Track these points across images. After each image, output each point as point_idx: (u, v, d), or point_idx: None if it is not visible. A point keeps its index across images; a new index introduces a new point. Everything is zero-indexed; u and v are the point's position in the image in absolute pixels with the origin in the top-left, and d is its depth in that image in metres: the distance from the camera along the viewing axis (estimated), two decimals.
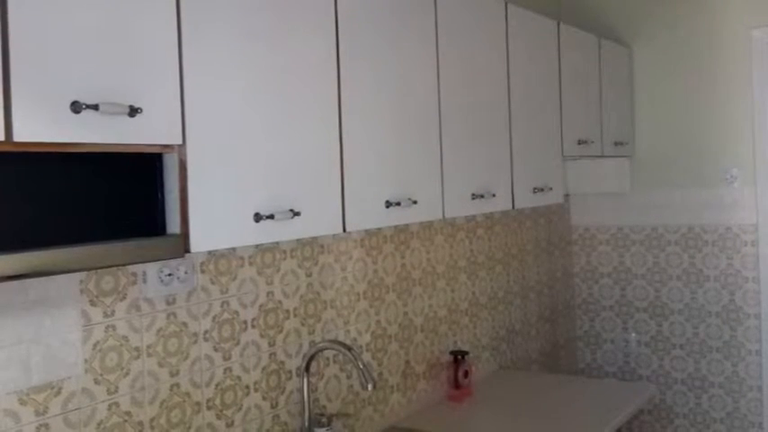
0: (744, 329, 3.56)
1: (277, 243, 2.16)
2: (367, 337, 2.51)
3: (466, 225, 3.08)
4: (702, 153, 3.65)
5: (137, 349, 1.79)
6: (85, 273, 1.67)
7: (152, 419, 1.82)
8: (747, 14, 3.50)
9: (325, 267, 2.34)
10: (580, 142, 3.12)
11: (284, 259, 2.18)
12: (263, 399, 2.10)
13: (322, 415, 2.16)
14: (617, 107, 3.59)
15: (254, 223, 1.59)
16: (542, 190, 2.79)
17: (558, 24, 2.98)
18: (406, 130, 2.07)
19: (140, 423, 1.79)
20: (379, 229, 2.57)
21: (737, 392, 3.57)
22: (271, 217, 1.62)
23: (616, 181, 3.83)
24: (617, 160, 3.82)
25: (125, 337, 1.76)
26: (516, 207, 2.63)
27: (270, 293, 2.14)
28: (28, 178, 1.23)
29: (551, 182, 2.87)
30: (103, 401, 1.71)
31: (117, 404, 1.74)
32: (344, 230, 1.85)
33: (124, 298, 1.76)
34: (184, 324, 1.90)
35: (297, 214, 1.68)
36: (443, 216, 2.24)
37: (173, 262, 1.85)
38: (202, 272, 1.94)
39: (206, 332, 1.95)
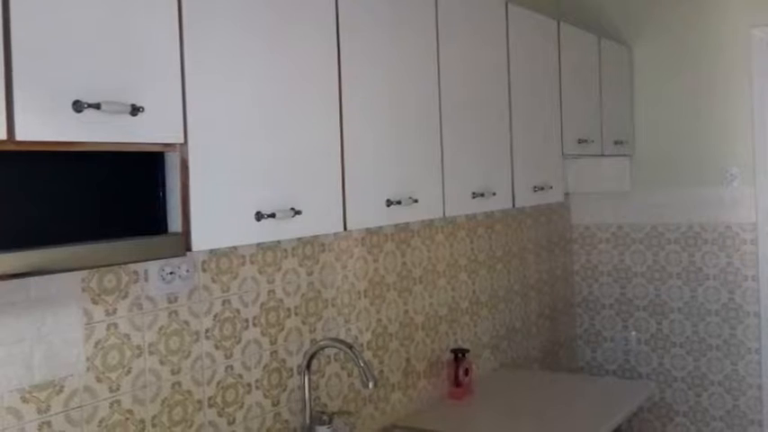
0: (743, 328, 3.56)
1: (278, 242, 2.16)
2: (368, 336, 2.51)
3: (466, 224, 3.09)
4: (702, 152, 3.65)
5: (138, 347, 1.79)
6: (87, 271, 1.68)
7: (154, 417, 1.82)
8: (747, 14, 3.50)
9: (326, 266, 2.34)
10: (580, 141, 3.13)
11: (285, 258, 2.19)
12: (265, 397, 2.11)
13: (323, 413, 2.17)
14: (617, 106, 3.60)
15: (255, 222, 1.59)
16: (542, 189, 2.79)
17: (559, 24, 2.99)
18: (407, 129, 2.08)
19: (142, 421, 1.79)
20: (380, 227, 2.58)
21: (737, 390, 3.58)
22: (272, 216, 1.62)
23: (616, 180, 3.84)
24: (617, 159, 3.82)
25: (127, 336, 1.77)
26: (517, 206, 2.64)
27: (271, 292, 2.14)
28: (30, 177, 1.24)
29: (551, 180, 2.88)
30: (105, 399, 1.72)
31: (119, 402, 1.74)
32: (345, 229, 1.85)
33: (126, 296, 1.77)
34: (186, 322, 1.90)
35: (298, 213, 1.68)
36: (444, 215, 2.24)
37: (174, 260, 1.85)
38: (204, 270, 1.95)
39: (207, 330, 1.96)
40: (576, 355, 4.02)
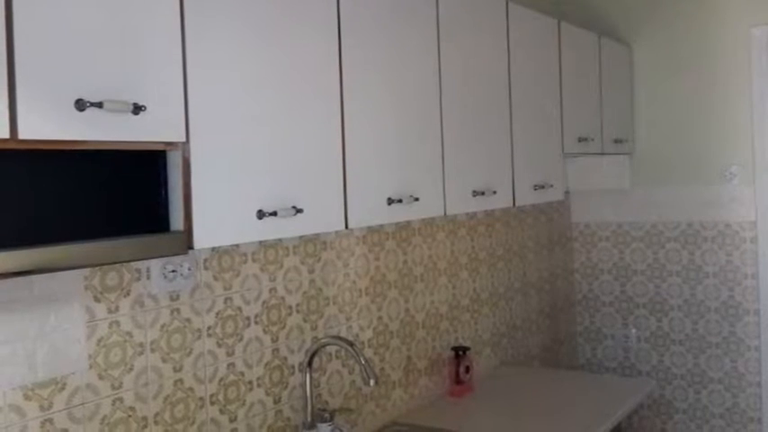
0: (743, 325, 3.57)
1: (280, 240, 2.17)
2: (369, 333, 2.52)
3: (467, 222, 3.09)
4: (702, 150, 3.66)
5: (140, 345, 1.80)
6: (90, 269, 1.68)
7: (156, 414, 1.83)
8: (747, 13, 3.51)
9: (328, 264, 2.35)
10: (580, 140, 3.13)
11: (287, 256, 2.20)
12: (266, 394, 2.12)
13: (324, 410, 2.17)
14: (617, 105, 3.60)
15: (257, 220, 1.60)
16: (543, 187, 2.80)
17: (559, 23, 2.99)
18: (408, 128, 2.08)
19: (144, 418, 1.80)
20: (381, 225, 2.58)
21: (737, 388, 3.59)
22: (274, 214, 1.62)
23: (616, 178, 3.85)
24: (617, 158, 3.83)
25: (129, 333, 1.77)
26: (517, 204, 2.64)
27: (273, 290, 2.15)
28: (32, 176, 1.24)
29: (552, 179, 2.88)
30: (107, 397, 1.72)
31: (121, 399, 1.75)
32: (347, 227, 1.85)
33: (128, 294, 1.77)
34: (188, 320, 1.91)
35: (299, 211, 1.69)
36: (445, 213, 2.25)
37: (176, 258, 1.86)
38: (206, 268, 1.95)
39: (209, 328, 1.96)
40: (576, 352, 4.03)
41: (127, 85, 1.33)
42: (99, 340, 1.71)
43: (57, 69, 1.23)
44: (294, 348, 2.21)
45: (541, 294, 3.69)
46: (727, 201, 3.59)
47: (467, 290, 3.08)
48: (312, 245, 2.29)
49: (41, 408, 1.59)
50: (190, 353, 1.91)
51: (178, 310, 1.88)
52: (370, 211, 1.93)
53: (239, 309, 2.05)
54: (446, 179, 2.24)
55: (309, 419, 2.13)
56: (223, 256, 2.00)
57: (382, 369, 2.59)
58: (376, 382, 2.05)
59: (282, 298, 2.18)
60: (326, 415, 2.15)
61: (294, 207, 1.68)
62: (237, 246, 2.04)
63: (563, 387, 2.88)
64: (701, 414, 3.68)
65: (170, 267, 1.85)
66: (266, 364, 2.12)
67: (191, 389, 1.91)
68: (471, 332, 3.10)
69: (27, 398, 1.57)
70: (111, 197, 1.36)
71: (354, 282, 2.46)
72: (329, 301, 2.35)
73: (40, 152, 1.25)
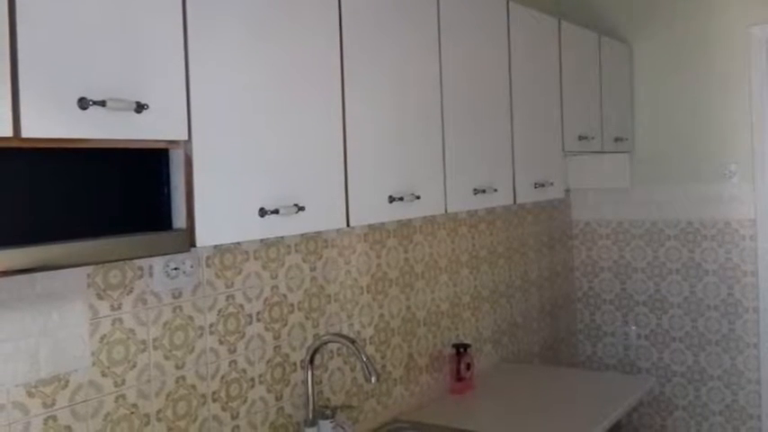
0: (742, 323, 3.58)
1: (282, 237, 2.18)
2: (370, 331, 2.53)
3: (468, 220, 3.10)
4: (701, 149, 3.67)
5: (143, 342, 1.80)
6: (93, 267, 1.69)
7: (158, 411, 1.83)
8: (746, 12, 3.52)
9: (329, 261, 2.36)
10: (581, 138, 3.14)
11: (289, 253, 2.20)
12: (268, 391, 2.13)
13: (326, 407, 2.18)
14: (617, 103, 3.61)
15: (258, 218, 1.60)
16: (543, 185, 2.80)
17: (559, 22, 3.00)
18: (409, 126, 2.09)
19: (147, 415, 1.81)
20: (383, 223, 2.59)
21: (736, 385, 3.60)
22: (275, 212, 1.63)
23: (616, 176, 3.85)
24: (617, 156, 3.84)
25: (132, 331, 1.78)
26: (518, 202, 2.65)
27: (274, 287, 2.16)
28: (36, 174, 1.24)
29: (552, 177, 2.89)
30: (110, 394, 1.73)
31: (124, 396, 1.76)
32: (348, 225, 1.86)
33: (131, 292, 1.78)
34: (190, 317, 1.92)
35: (301, 209, 1.69)
36: (446, 211, 2.25)
37: (179, 256, 1.86)
38: (208, 266, 1.96)
39: (211, 325, 1.97)
40: (576, 349, 4.04)
41: (129, 83, 1.34)
42: (102, 337, 1.71)
43: (60, 68, 1.23)
44: (296, 346, 2.22)
45: (542, 292, 3.70)
46: (727, 199, 3.60)
47: (468, 287, 3.08)
48: (314, 242, 2.29)
49: (44, 405, 1.60)
50: (192, 350, 1.92)
51: (180, 308, 1.89)
52: (371, 209, 1.94)
53: (241, 306, 2.05)
54: (447, 177, 2.25)
55: (311, 416, 2.14)
56: (225, 253, 2.01)
57: (383, 366, 2.59)
58: (377, 380, 2.06)
59: (284, 295, 2.19)
60: (328, 412, 2.16)
61: (296, 205, 1.68)
62: (239, 244, 2.04)
63: (563, 384, 2.89)
64: (700, 411, 3.69)
65: (172, 265, 1.86)
66: (268, 362, 2.13)
67: (193, 386, 1.92)
68: (472, 329, 3.10)
69: (30, 395, 1.58)
70: (114, 195, 1.36)
71: (356, 279, 2.47)
72: (331, 299, 2.36)
73: (43, 151, 1.25)
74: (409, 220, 2.73)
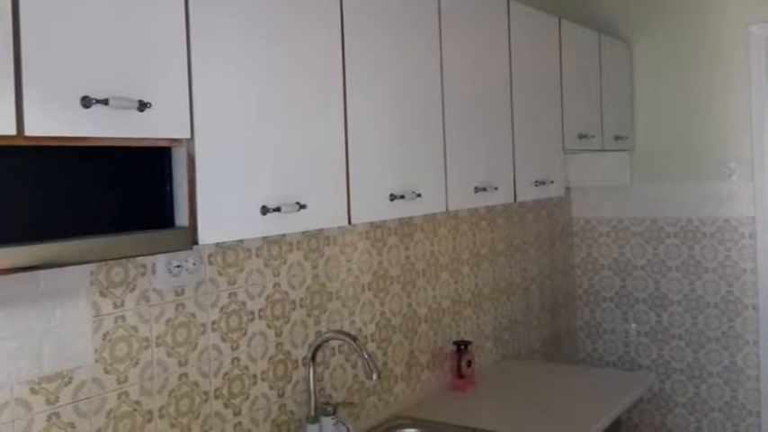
0: (742, 320, 3.59)
1: (283, 235, 2.18)
2: (372, 328, 2.54)
3: (469, 217, 3.11)
4: (701, 147, 3.67)
5: (146, 339, 1.81)
6: (96, 264, 1.69)
7: (161, 408, 1.84)
8: (745, 10, 3.52)
9: (331, 259, 2.36)
10: (581, 136, 3.15)
11: (290, 251, 2.21)
12: (270, 388, 2.13)
13: (328, 404, 2.19)
14: (617, 102, 3.61)
15: (260, 216, 1.61)
16: (544, 183, 2.81)
17: (560, 20, 3.00)
18: (410, 125, 2.09)
19: (149, 412, 1.82)
20: (384, 221, 2.60)
21: (735, 382, 3.61)
22: (277, 209, 1.63)
23: (616, 174, 3.86)
24: (617, 154, 3.84)
25: (134, 328, 1.79)
26: (518, 200, 2.66)
27: (276, 285, 2.16)
28: (39, 172, 1.25)
29: (553, 175, 2.90)
30: (113, 391, 1.73)
31: (126, 393, 1.76)
32: (350, 223, 1.87)
33: (133, 289, 1.79)
34: (193, 315, 1.92)
35: (303, 207, 1.70)
36: (447, 209, 2.26)
37: (181, 254, 1.87)
38: (210, 263, 1.97)
39: (214, 323, 1.98)
40: (576, 346, 4.05)
41: (132, 82, 1.34)
42: (105, 335, 1.72)
43: (63, 67, 1.24)
44: (298, 343, 2.23)
45: (542, 289, 3.70)
46: (726, 197, 3.61)
47: (468, 285, 3.09)
48: (315, 240, 2.30)
49: (48, 402, 1.61)
50: (194, 347, 1.92)
51: (183, 305, 1.90)
52: (372, 207, 1.94)
53: (243, 303, 2.06)
54: (448, 175, 2.25)
55: (313, 413, 2.15)
56: (227, 251, 2.02)
57: (385, 363, 2.60)
58: (379, 377, 2.06)
59: (286, 293, 2.19)
60: (330, 409, 2.17)
61: (298, 203, 1.69)
62: (241, 241, 2.05)
63: (564, 381, 2.90)
64: (700, 408, 3.70)
65: (175, 263, 1.87)
66: (270, 359, 2.14)
67: (195, 383, 1.93)
68: (473, 327, 3.11)
69: (33, 392, 1.58)
70: (117, 193, 1.37)
71: (357, 277, 2.47)
72: (332, 296, 2.37)
73: (46, 149, 1.26)
74: (410, 218, 2.74)
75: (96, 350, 1.70)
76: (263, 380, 2.11)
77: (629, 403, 2.68)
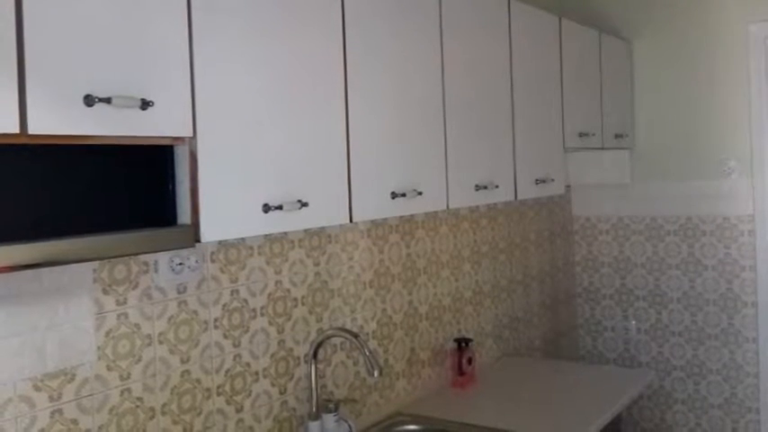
0: (741, 317, 3.60)
1: (285, 233, 2.19)
2: (373, 325, 2.55)
3: (470, 215, 3.12)
4: (700, 145, 3.68)
5: (148, 336, 1.82)
6: (98, 262, 1.70)
7: (163, 405, 1.85)
8: (745, 9, 3.53)
9: (333, 257, 2.37)
10: (581, 135, 3.15)
11: (292, 249, 2.22)
12: (272, 385, 2.14)
13: (329, 401, 2.19)
14: (617, 100, 3.62)
15: (262, 214, 1.61)
16: (544, 181, 2.82)
17: (560, 19, 3.01)
18: (411, 123, 2.10)
19: (152, 409, 1.82)
20: (385, 219, 2.60)
21: (735, 379, 3.62)
22: (279, 207, 1.64)
23: (616, 172, 3.87)
24: (617, 152, 3.85)
25: (137, 325, 1.79)
26: (519, 198, 2.66)
27: (278, 282, 2.17)
28: (42, 170, 1.25)
29: (553, 173, 2.90)
30: (116, 387, 1.74)
31: (129, 390, 1.77)
32: (351, 221, 1.87)
33: (136, 286, 1.79)
34: (195, 312, 1.93)
35: (305, 205, 1.70)
36: (448, 207, 2.27)
37: (183, 251, 1.88)
38: (212, 261, 1.98)
39: (216, 320, 1.99)
40: (577, 344, 4.06)
41: (135, 81, 1.35)
42: (107, 332, 1.73)
43: (66, 65, 1.24)
44: (299, 340, 2.23)
45: (543, 287, 3.71)
46: (726, 195, 3.62)
47: (469, 282, 3.10)
48: (317, 238, 2.31)
49: (51, 398, 1.61)
50: (197, 344, 1.93)
51: (185, 303, 1.91)
52: (374, 205, 1.95)
53: (245, 301, 2.07)
54: (449, 173, 2.26)
55: (314, 410, 2.16)
56: (229, 249, 2.02)
57: (386, 360, 2.61)
58: (380, 374, 2.07)
59: (288, 290, 2.20)
60: (331, 405, 2.18)
61: (299, 201, 1.70)
62: (243, 239, 2.06)
63: (564, 378, 2.91)
64: (699, 404, 3.71)
65: (177, 260, 1.87)
66: (272, 356, 2.14)
67: (198, 380, 1.93)
68: (474, 324, 3.12)
69: (37, 389, 1.59)
70: (119, 191, 1.37)
71: (359, 274, 2.48)
72: (334, 294, 2.37)
73: (49, 147, 1.26)
74: (411, 216, 2.75)
75: (99, 347, 1.71)
76: (264, 377, 2.12)
77: (629, 400, 2.69)
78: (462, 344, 2.86)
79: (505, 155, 2.58)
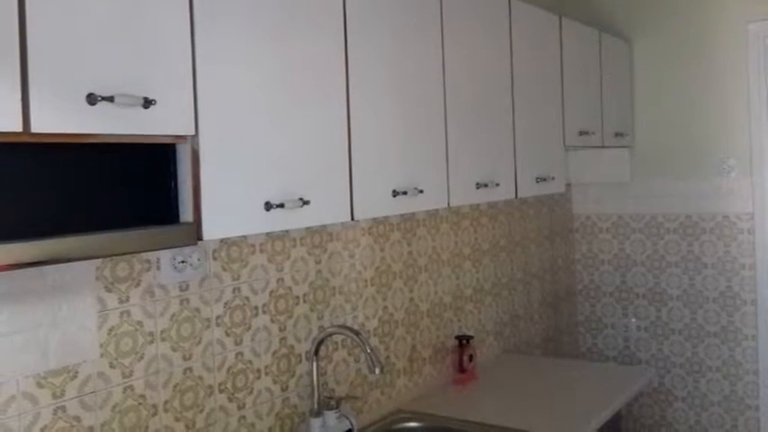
0: (740, 315, 3.61)
1: (287, 231, 2.19)
2: (374, 323, 2.55)
3: (470, 213, 3.12)
4: (700, 144, 3.69)
5: (151, 334, 1.82)
6: (101, 260, 1.70)
7: (165, 402, 1.85)
8: (744, 9, 3.54)
9: (334, 255, 2.38)
10: (581, 133, 3.16)
11: (294, 247, 2.22)
12: (274, 382, 2.15)
13: (331, 398, 2.20)
14: (617, 99, 3.62)
15: (264, 212, 1.61)
16: (545, 179, 2.82)
17: (560, 19, 3.01)
18: (413, 121, 2.10)
19: (154, 406, 1.83)
20: (386, 217, 2.61)
21: (734, 376, 3.62)
22: (281, 206, 1.64)
23: (616, 171, 3.87)
24: (617, 151, 3.86)
25: (139, 323, 1.80)
26: (519, 196, 2.67)
27: (280, 280, 2.18)
28: (45, 168, 1.25)
29: (553, 171, 2.91)
30: (118, 385, 1.75)
31: (131, 387, 1.78)
32: (352, 218, 1.87)
33: (138, 284, 1.80)
34: (197, 310, 1.94)
35: (306, 203, 1.71)
36: (448, 205, 2.27)
37: (186, 249, 1.88)
38: (214, 259, 1.98)
39: (218, 317, 1.99)
40: (577, 341, 4.06)
41: (137, 79, 1.35)
42: (110, 329, 1.73)
43: (69, 64, 1.24)
44: (301, 337, 2.24)
45: (543, 285, 3.72)
46: (725, 193, 3.62)
47: (470, 280, 3.11)
48: (318, 236, 2.32)
49: (54, 395, 1.62)
50: (199, 342, 1.94)
51: (187, 300, 1.91)
52: (375, 203, 1.95)
53: (247, 299, 2.08)
54: (450, 172, 2.26)
55: (316, 407, 2.16)
56: (231, 246, 2.03)
57: (387, 358, 2.62)
58: (381, 371, 2.07)
59: (289, 288, 2.21)
60: (333, 402, 2.18)
61: (301, 199, 1.70)
62: (245, 237, 2.06)
63: (564, 375, 2.91)
64: (699, 402, 3.72)
65: (179, 258, 1.88)
66: (274, 353, 2.15)
67: (200, 377, 1.94)
68: (474, 321, 3.13)
69: (40, 386, 1.59)
70: (122, 189, 1.37)
71: (360, 272, 2.49)
72: (335, 291, 2.38)
73: (52, 145, 1.26)
74: (412, 214, 2.75)
75: (102, 345, 1.71)
76: (266, 374, 2.13)
77: (629, 397, 2.70)
78: (463, 341, 2.86)
79: (506, 153, 2.58)
